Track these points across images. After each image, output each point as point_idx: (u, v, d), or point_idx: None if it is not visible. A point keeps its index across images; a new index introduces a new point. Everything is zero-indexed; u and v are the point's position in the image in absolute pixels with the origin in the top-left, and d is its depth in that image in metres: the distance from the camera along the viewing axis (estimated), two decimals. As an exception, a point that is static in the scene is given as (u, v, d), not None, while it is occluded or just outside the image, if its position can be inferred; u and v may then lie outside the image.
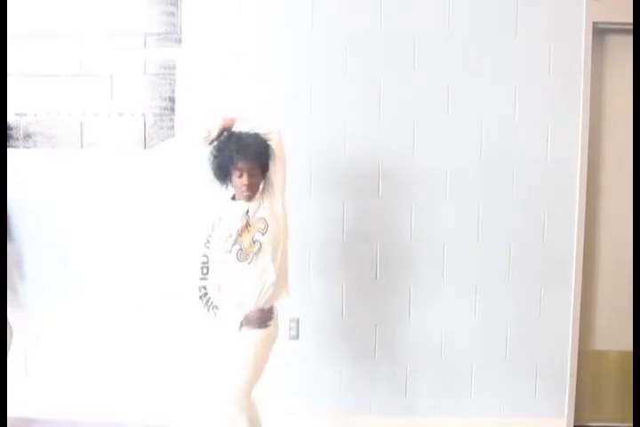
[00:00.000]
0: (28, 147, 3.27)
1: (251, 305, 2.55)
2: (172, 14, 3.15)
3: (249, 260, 2.53)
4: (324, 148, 3.14)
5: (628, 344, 3.27)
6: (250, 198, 2.59)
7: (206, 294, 2.58)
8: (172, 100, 3.20)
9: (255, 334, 2.57)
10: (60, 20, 3.20)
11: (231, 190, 2.66)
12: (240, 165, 2.53)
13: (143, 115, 3.21)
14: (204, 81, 3.17)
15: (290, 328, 3.18)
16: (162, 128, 3.21)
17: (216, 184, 2.65)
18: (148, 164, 3.23)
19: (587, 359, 3.29)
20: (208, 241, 2.60)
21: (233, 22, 3.15)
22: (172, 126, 3.21)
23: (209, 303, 2.58)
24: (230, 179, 2.60)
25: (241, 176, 2.55)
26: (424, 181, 3.17)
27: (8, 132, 3.26)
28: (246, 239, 2.54)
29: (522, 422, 3.24)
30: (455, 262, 3.20)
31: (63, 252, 3.30)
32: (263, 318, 2.57)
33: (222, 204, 2.66)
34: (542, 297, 3.21)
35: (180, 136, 3.21)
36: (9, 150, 3.25)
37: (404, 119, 3.14)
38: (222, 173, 2.61)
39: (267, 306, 2.58)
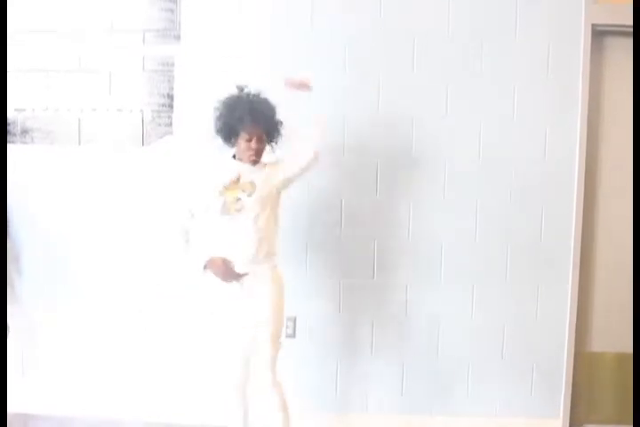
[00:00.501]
0: (25, 142, 3.26)
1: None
2: (171, 11, 3.15)
3: (230, 215, 2.56)
4: (324, 146, 3.13)
5: (624, 346, 3.27)
6: (255, 163, 2.63)
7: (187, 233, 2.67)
8: (170, 96, 3.19)
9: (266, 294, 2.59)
10: (59, 16, 3.19)
11: (232, 150, 2.69)
12: (251, 129, 2.57)
13: (141, 111, 3.21)
14: (203, 78, 3.17)
15: (287, 327, 3.16)
16: (160, 125, 3.21)
17: (218, 140, 2.68)
18: (146, 160, 3.23)
19: (583, 361, 3.29)
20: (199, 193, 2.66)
21: (232, 19, 3.16)
22: (170, 123, 3.21)
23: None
24: (236, 139, 2.62)
25: (250, 140, 2.58)
26: (422, 179, 3.18)
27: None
28: (230, 195, 2.56)
29: (518, 423, 3.23)
30: (452, 262, 3.20)
31: (61, 248, 3.29)
32: (227, 271, 2.58)
33: (219, 160, 2.71)
34: (539, 298, 3.21)
35: (178, 133, 3.20)
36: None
37: (404, 118, 3.15)
38: (229, 132, 2.63)
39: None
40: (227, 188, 2.58)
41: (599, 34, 3.14)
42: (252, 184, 2.58)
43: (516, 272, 3.19)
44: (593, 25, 3.09)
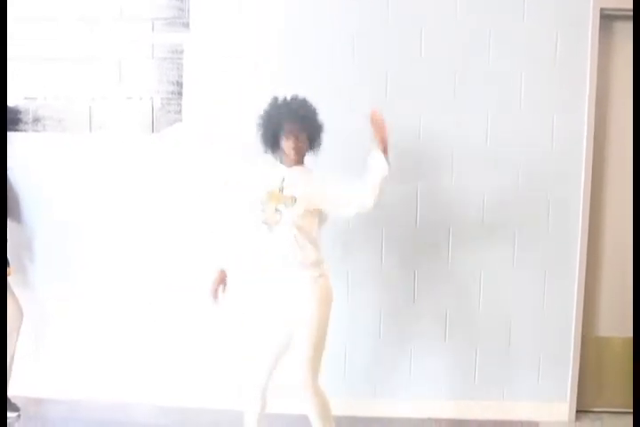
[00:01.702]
0: (37, 131, 3.30)
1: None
2: (181, -1, 3.18)
3: (268, 225, 2.56)
4: (330, 136, 3.15)
5: (631, 331, 3.28)
6: (297, 162, 2.62)
7: None
8: (179, 84, 3.22)
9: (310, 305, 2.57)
10: (68, 4, 3.22)
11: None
12: (288, 127, 2.57)
13: (151, 99, 3.24)
14: (212, 65, 3.19)
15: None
16: (169, 112, 3.24)
17: (268, 154, 2.70)
18: (156, 147, 3.26)
19: (590, 345, 3.31)
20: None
21: (240, 8, 3.17)
22: (180, 111, 3.23)
23: None
24: (279, 145, 2.63)
25: (288, 139, 2.58)
26: (430, 167, 3.19)
27: (18, 116, 3.29)
28: (271, 206, 2.56)
29: (525, 407, 3.26)
30: (460, 249, 3.22)
31: (72, 235, 3.34)
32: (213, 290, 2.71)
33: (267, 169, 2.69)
34: (546, 284, 3.22)
35: (187, 120, 3.23)
36: (18, 134, 3.28)
37: (411, 106, 3.15)
38: (272, 137, 2.64)
39: None
40: (269, 197, 2.57)
41: (607, 18, 3.12)
42: (293, 198, 2.54)
43: (522, 258, 3.21)
44: (602, 9, 3.07)
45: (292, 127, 2.57)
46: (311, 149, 2.65)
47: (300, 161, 2.63)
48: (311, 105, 2.62)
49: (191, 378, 3.36)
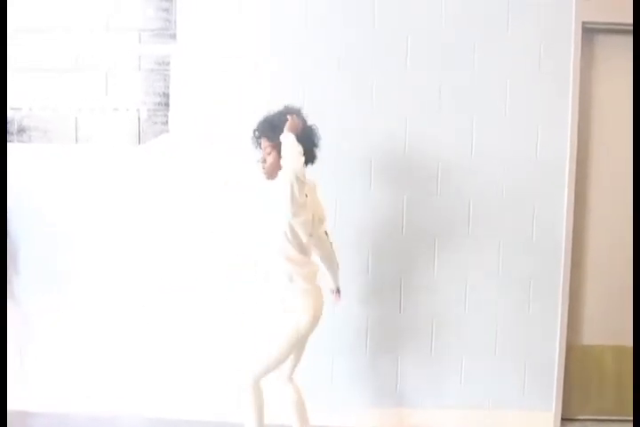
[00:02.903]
0: (22, 141, 3.28)
1: None
2: (167, 10, 3.18)
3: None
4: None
5: (614, 339, 3.33)
6: (269, 177, 2.64)
7: None
8: (166, 95, 3.22)
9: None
10: (55, 15, 3.22)
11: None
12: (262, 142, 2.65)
13: (138, 110, 3.24)
14: (199, 77, 3.20)
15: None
16: (156, 123, 3.24)
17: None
18: (143, 159, 3.26)
19: (575, 354, 3.34)
20: None
21: (227, 19, 3.18)
22: (167, 122, 3.24)
23: None
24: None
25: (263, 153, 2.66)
26: (415, 176, 3.21)
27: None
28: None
29: (510, 416, 3.28)
30: (445, 257, 3.24)
31: (58, 246, 3.32)
32: None
33: None
34: (531, 293, 3.25)
35: (174, 131, 3.23)
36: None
37: (397, 115, 3.18)
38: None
39: None
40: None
41: (589, 31, 3.18)
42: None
43: (507, 267, 3.24)
44: (583, 22, 3.13)
45: (263, 143, 2.64)
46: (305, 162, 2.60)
47: (271, 177, 2.63)
48: (303, 121, 2.62)
49: (179, 390, 3.34)
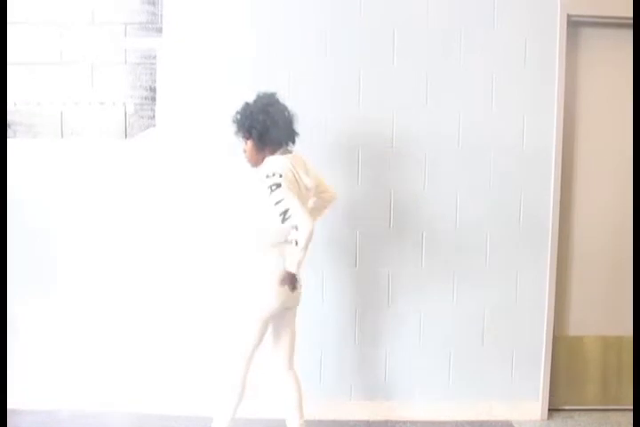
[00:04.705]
0: (7, 136, 3.25)
1: None
2: (153, 4, 3.16)
3: None
4: (304, 137, 3.17)
5: (600, 329, 3.37)
6: (255, 165, 2.65)
7: None
8: (152, 89, 3.21)
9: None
10: (40, 8, 3.19)
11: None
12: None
13: (124, 104, 3.22)
14: (185, 71, 3.19)
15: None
16: (142, 117, 3.23)
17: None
18: (129, 153, 3.25)
19: (561, 345, 3.37)
20: None
21: (213, 12, 3.17)
22: (153, 116, 3.22)
23: None
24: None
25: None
26: (403, 168, 3.22)
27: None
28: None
29: (497, 406, 3.31)
30: (433, 250, 3.26)
31: (44, 241, 3.29)
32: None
33: None
34: (518, 284, 3.28)
35: (161, 126, 3.22)
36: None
37: (384, 109, 3.19)
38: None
39: None
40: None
41: (574, 24, 3.20)
42: None
43: (494, 258, 3.26)
44: (568, 15, 3.15)
45: (240, 134, 2.65)
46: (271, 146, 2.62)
47: (255, 164, 2.64)
48: (261, 106, 2.61)
49: (168, 385, 3.34)
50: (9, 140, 3.25)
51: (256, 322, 2.62)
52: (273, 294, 2.59)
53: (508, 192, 3.24)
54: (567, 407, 3.41)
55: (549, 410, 3.34)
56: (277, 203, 2.44)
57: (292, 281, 2.57)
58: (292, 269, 2.54)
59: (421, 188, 3.23)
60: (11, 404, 3.24)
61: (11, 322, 3.30)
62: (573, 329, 3.40)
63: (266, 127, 2.59)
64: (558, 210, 3.24)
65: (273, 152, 2.61)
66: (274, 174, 2.47)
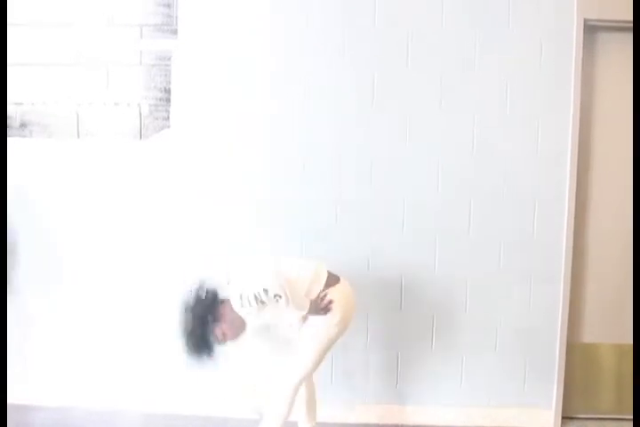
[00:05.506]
0: (23, 136, 3.29)
1: None
2: (168, 6, 3.18)
3: None
4: (317, 141, 3.18)
5: (615, 337, 3.32)
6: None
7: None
8: (167, 90, 3.22)
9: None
10: (57, 9, 3.22)
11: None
12: None
13: (139, 105, 3.24)
14: (200, 72, 3.20)
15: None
16: (157, 119, 3.24)
17: None
18: (144, 154, 3.26)
19: (575, 352, 3.32)
20: None
21: (229, 14, 3.18)
22: (168, 117, 3.24)
23: None
24: None
25: None
26: (415, 173, 3.21)
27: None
28: None
29: (510, 414, 3.27)
30: (446, 256, 3.23)
31: (59, 241, 3.32)
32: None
33: None
34: (532, 291, 3.24)
35: (175, 127, 3.23)
36: (4, 139, 3.27)
37: (398, 113, 3.18)
38: None
39: None
40: None
41: (591, 28, 3.17)
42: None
43: (508, 265, 3.23)
44: (585, 20, 3.12)
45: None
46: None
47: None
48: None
49: (179, 385, 3.33)
50: (25, 140, 3.27)
51: (327, 345, 2.68)
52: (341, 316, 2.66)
53: (522, 197, 3.20)
54: (581, 416, 3.35)
55: (563, 418, 3.30)
56: None
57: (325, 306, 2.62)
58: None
59: (435, 194, 3.21)
60: (25, 400, 3.29)
61: (26, 319, 3.33)
62: (588, 336, 3.35)
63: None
64: (573, 215, 3.20)
65: None
66: None
